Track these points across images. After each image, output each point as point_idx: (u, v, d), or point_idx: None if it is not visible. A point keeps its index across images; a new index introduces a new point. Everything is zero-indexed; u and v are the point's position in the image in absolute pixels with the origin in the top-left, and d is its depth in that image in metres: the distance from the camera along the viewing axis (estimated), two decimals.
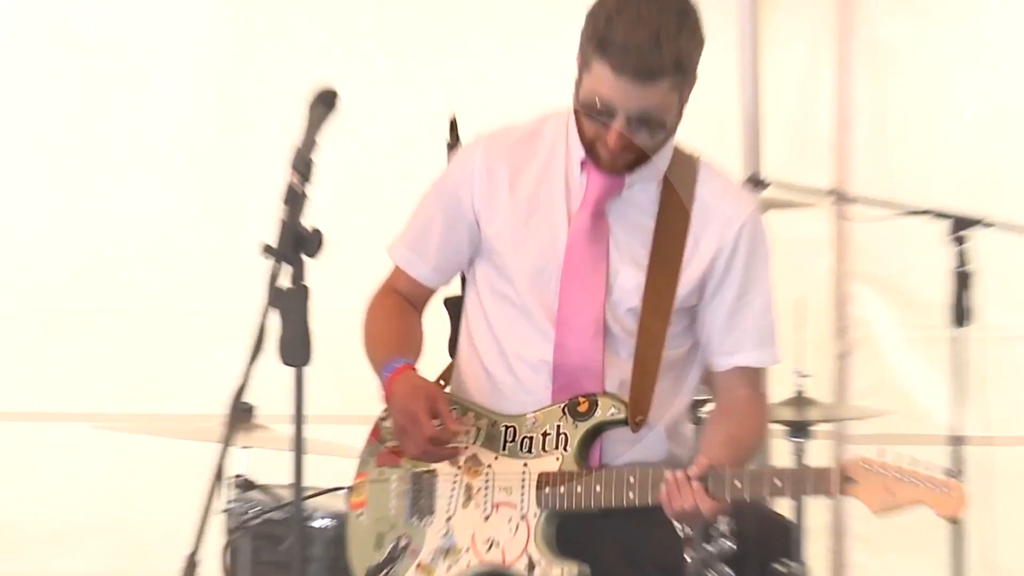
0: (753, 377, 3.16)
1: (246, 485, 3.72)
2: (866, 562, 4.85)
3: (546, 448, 3.03)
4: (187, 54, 4.87)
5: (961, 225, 3.98)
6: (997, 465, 4.33)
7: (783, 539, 3.70)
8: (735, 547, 3.50)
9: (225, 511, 3.75)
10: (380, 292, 3.16)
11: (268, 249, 2.57)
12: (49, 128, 4.89)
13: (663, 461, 3.04)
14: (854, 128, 4.85)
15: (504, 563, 3.01)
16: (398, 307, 3.24)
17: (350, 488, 3.29)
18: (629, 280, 3.07)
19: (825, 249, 4.85)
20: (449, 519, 3.10)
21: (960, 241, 3.97)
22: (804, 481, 2.98)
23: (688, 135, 4.07)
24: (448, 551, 3.08)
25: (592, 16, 2.98)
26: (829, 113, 4.87)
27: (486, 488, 3.08)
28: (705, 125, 4.37)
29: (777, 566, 3.59)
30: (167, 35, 4.85)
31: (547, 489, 3.02)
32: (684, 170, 3.17)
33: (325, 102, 2.71)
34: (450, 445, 2.98)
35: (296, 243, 2.59)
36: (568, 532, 3.01)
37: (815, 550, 4.22)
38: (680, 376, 3.15)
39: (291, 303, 2.64)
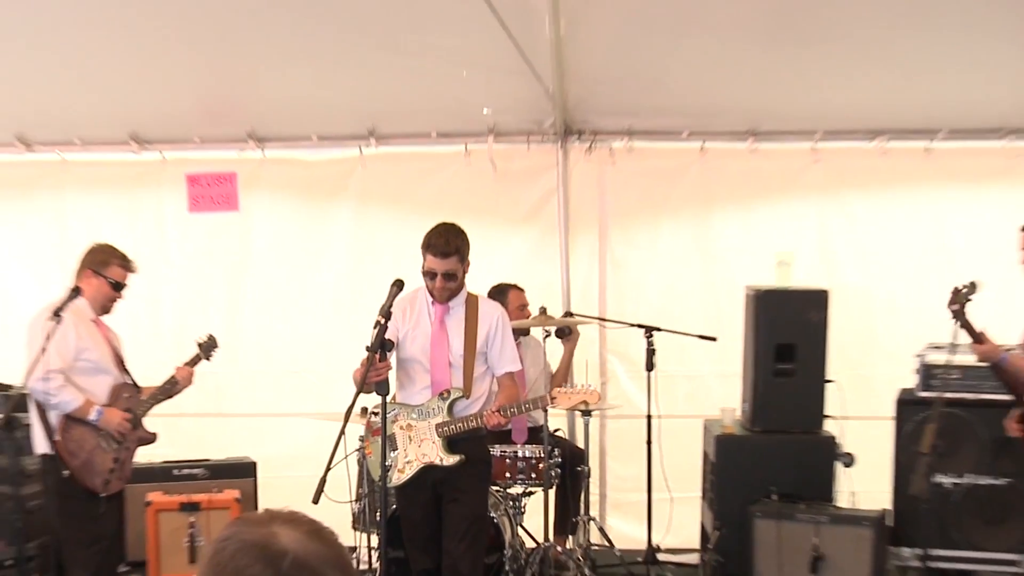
0: (511, 376, 3.54)
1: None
2: (615, 467, 5.39)
3: (435, 414, 3.46)
4: (334, 257, 5.34)
5: (650, 330, 4.64)
6: (663, 426, 4.73)
7: (580, 455, 4.71)
8: (560, 459, 4.50)
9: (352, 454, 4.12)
10: (362, 363, 3.28)
11: (368, 347, 3.19)
12: (279, 289, 5.31)
13: (482, 411, 3.46)
14: (608, 291, 5.36)
15: (432, 462, 3.46)
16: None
17: (364, 448, 3.72)
18: (457, 345, 3.46)
19: (596, 340, 5.39)
20: (405, 450, 3.48)
21: (649, 336, 4.64)
22: (530, 402, 3.45)
23: (535, 292, 4.86)
24: (409, 462, 3.45)
25: (424, 237, 3.43)
26: (597, 284, 5.37)
27: (416, 434, 3.46)
28: (544, 289, 5.14)
29: (578, 468, 4.67)
30: (323, 251, 5.30)
31: (439, 428, 3.44)
32: (473, 300, 3.51)
33: (398, 284, 3.28)
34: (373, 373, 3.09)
35: (381, 346, 3.22)
36: (456, 446, 3.51)
37: (592, 461, 4.87)
38: (483, 380, 3.53)
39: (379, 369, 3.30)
